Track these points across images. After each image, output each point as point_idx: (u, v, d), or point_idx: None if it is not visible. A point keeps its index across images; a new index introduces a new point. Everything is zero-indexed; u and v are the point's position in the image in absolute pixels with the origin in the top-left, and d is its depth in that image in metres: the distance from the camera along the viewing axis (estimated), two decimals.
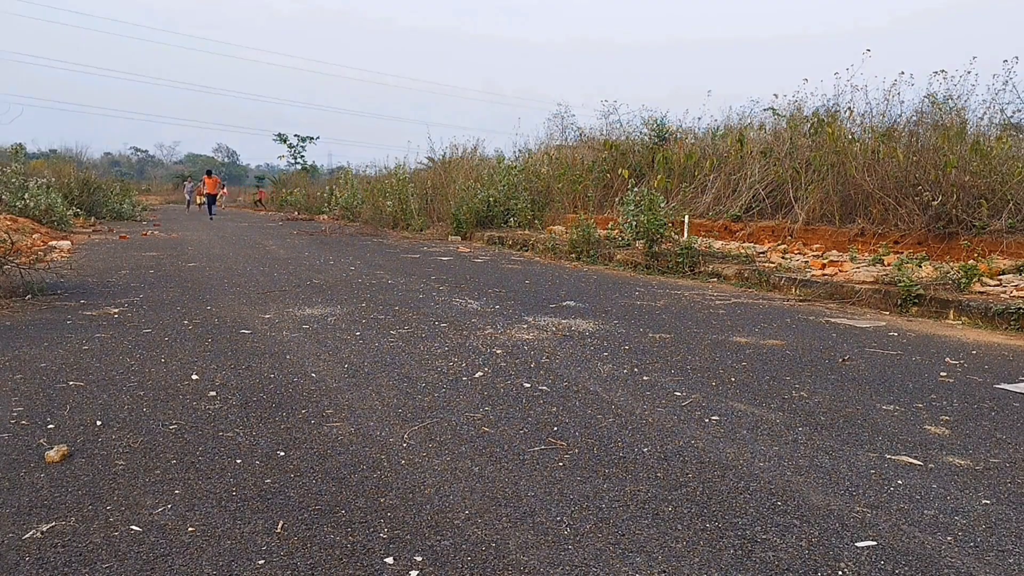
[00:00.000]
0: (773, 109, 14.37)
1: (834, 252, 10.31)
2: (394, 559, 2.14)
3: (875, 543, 2.27)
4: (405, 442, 3.13)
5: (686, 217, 11.89)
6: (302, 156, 41.35)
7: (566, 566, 2.11)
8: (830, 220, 11.29)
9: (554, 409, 3.63)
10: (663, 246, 10.47)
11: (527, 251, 13.37)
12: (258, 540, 2.24)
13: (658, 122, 16.60)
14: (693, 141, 15.95)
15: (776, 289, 8.36)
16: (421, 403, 3.70)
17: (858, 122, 12.25)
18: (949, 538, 2.32)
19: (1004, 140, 9.76)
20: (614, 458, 2.98)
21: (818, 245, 10.89)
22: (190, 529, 2.31)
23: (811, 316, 6.60)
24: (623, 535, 2.31)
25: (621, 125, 17.74)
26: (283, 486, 2.65)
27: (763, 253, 10.56)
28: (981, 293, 6.89)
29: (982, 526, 2.40)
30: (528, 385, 4.06)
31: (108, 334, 5.24)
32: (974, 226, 8.99)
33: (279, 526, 2.34)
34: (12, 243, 7.62)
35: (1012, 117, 10.47)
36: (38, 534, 2.26)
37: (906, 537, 2.32)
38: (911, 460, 3.00)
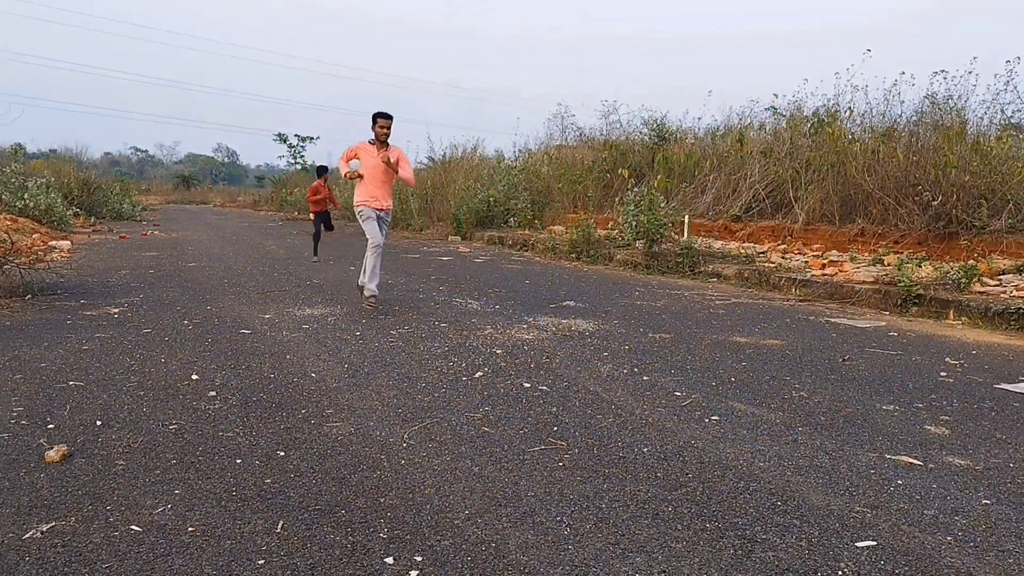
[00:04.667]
0: (774, 108, 14.38)
1: (834, 252, 10.30)
2: (394, 559, 2.14)
3: (875, 543, 2.27)
4: (405, 442, 3.13)
5: (686, 217, 11.89)
6: (302, 156, 41.30)
7: (566, 566, 2.11)
8: (830, 220, 11.29)
9: (554, 409, 3.63)
10: (663, 246, 10.47)
11: (527, 251, 13.37)
12: (258, 540, 2.24)
13: (658, 122, 16.61)
14: (693, 141, 15.96)
15: (776, 289, 8.36)
16: (421, 403, 3.70)
17: (858, 122, 12.26)
18: (949, 538, 2.32)
19: (1004, 140, 9.76)
20: (614, 458, 2.98)
21: (818, 245, 10.89)
22: (190, 529, 2.31)
23: (811, 316, 6.60)
24: (623, 535, 2.31)
25: (621, 125, 17.76)
26: (283, 486, 2.65)
27: (763, 253, 10.55)
28: (981, 293, 6.88)
29: (982, 526, 2.40)
30: (528, 385, 4.06)
31: (108, 334, 5.24)
32: (974, 226, 8.99)
33: (279, 526, 2.34)
34: (12, 243, 7.62)
35: (1012, 117, 10.47)
36: (38, 534, 2.26)
37: (906, 537, 2.32)
38: (911, 460, 3.00)
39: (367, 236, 6.36)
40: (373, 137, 6.39)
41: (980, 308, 6.39)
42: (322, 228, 11.56)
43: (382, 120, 6.36)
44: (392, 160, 6.27)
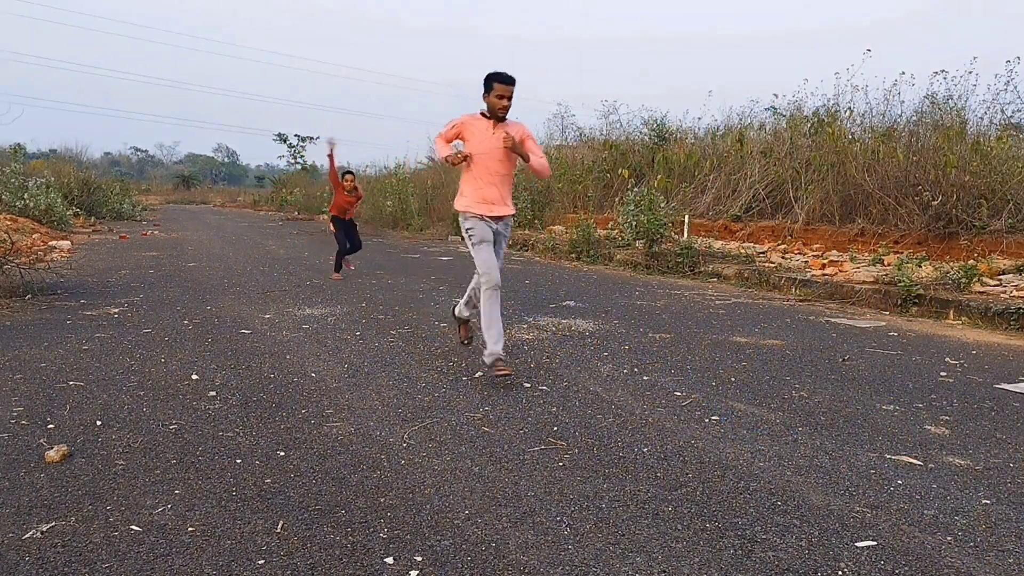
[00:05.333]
0: (774, 108, 14.38)
1: (834, 252, 10.30)
2: (394, 559, 2.14)
3: (875, 543, 2.27)
4: (405, 442, 3.13)
5: (686, 217, 11.89)
6: (302, 156, 41.30)
7: (566, 566, 2.11)
8: (830, 220, 11.29)
9: (554, 409, 3.63)
10: (663, 246, 10.47)
11: (527, 251, 13.37)
12: (258, 540, 2.24)
13: (658, 122, 16.61)
14: (693, 141, 15.95)
15: (776, 289, 8.36)
16: (421, 403, 3.70)
17: (858, 122, 12.26)
18: (949, 538, 2.32)
19: (1004, 140, 9.76)
20: (614, 458, 2.98)
21: (818, 245, 10.89)
22: (190, 529, 2.31)
23: (811, 316, 6.60)
24: (623, 535, 2.31)
25: (621, 125, 17.76)
26: (283, 486, 2.65)
27: (763, 253, 10.56)
28: (981, 293, 6.88)
29: (982, 526, 2.40)
30: (528, 385, 4.06)
31: (108, 334, 5.24)
32: (974, 226, 8.99)
33: (279, 526, 2.34)
34: (12, 243, 7.62)
35: (1012, 117, 10.48)
36: (38, 534, 2.26)
37: (906, 537, 2.32)
38: (911, 460, 3.00)
39: (478, 268, 4.22)
40: (485, 109, 4.20)
41: (980, 308, 6.39)
42: (345, 243, 9.12)
43: (501, 85, 4.11)
44: (516, 140, 4.17)
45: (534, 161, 4.23)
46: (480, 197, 4.25)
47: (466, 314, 4.71)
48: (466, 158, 4.21)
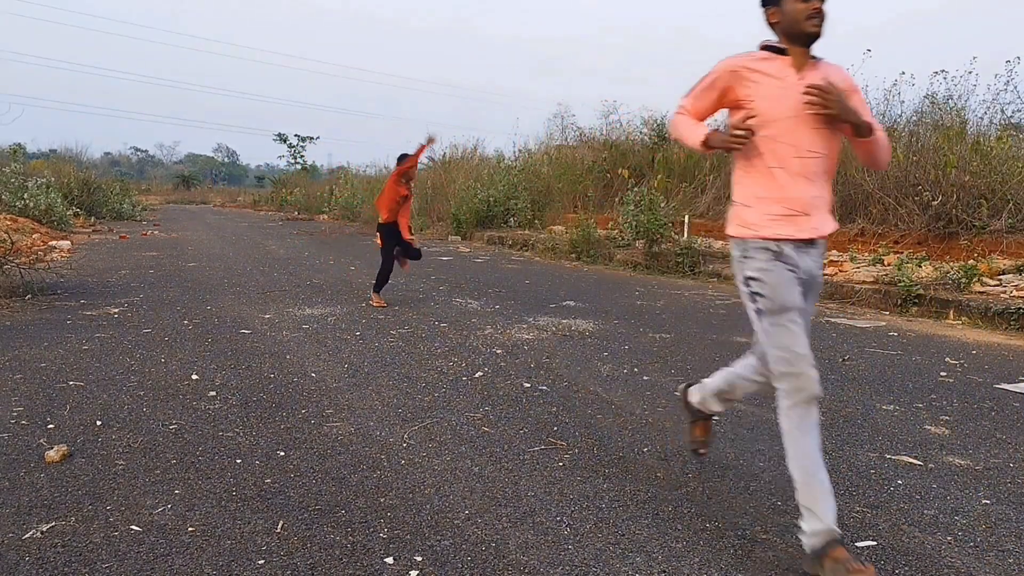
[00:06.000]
0: None
1: (834, 252, 10.30)
2: (394, 559, 2.14)
3: (875, 543, 2.27)
4: (405, 442, 3.13)
5: (686, 217, 11.88)
6: (302, 156, 41.36)
7: (566, 566, 2.11)
8: None
9: (554, 409, 3.63)
10: (663, 246, 10.47)
11: (527, 251, 13.37)
12: (258, 540, 2.24)
13: (658, 122, 16.60)
14: None
15: None
16: (421, 403, 3.70)
17: None
18: (949, 538, 2.32)
19: (1004, 140, 9.76)
20: (614, 458, 2.98)
21: None
22: (190, 529, 2.31)
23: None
24: (623, 535, 2.31)
25: (621, 125, 17.76)
26: (283, 486, 2.65)
27: None
28: (981, 293, 6.88)
29: (982, 526, 2.40)
30: (528, 385, 4.06)
31: (108, 334, 5.24)
32: (974, 226, 8.99)
33: (279, 526, 2.34)
34: (12, 243, 7.62)
35: (1012, 117, 10.48)
36: (38, 534, 2.26)
37: (906, 537, 2.32)
38: (911, 460, 3.01)
39: (771, 356, 2.24)
40: (771, 40, 2.27)
41: (980, 308, 6.38)
42: (394, 252, 6.93)
43: None
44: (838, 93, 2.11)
45: (879, 135, 2.22)
46: (782, 201, 2.21)
47: (715, 407, 2.73)
48: (749, 131, 2.16)
